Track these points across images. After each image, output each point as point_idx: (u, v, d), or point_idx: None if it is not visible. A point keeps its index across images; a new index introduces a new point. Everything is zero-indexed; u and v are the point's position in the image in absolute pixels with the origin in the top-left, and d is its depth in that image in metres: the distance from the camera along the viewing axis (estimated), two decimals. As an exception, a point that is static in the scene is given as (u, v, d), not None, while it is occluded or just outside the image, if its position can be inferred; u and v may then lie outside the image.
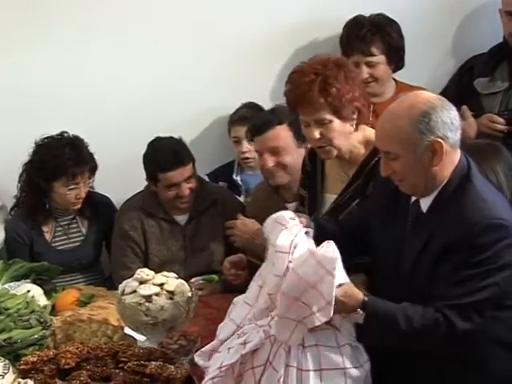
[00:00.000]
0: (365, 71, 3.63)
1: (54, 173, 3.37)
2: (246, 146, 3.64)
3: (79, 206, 3.47)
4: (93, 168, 3.45)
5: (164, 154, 3.35)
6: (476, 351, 2.33)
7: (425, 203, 2.37)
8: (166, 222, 3.46)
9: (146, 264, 3.31)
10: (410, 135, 2.26)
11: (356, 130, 2.77)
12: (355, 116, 2.73)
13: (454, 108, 2.32)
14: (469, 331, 2.23)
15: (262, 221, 2.54)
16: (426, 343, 2.27)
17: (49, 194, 3.43)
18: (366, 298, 2.26)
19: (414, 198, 2.42)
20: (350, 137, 2.76)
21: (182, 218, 3.47)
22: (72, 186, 3.39)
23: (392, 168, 2.33)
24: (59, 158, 3.36)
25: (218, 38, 3.77)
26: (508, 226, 2.26)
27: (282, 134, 3.17)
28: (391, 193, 2.44)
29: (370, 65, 3.64)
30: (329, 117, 2.71)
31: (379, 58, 3.66)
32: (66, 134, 3.43)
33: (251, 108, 3.69)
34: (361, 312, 2.25)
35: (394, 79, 3.79)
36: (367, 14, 3.72)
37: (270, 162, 3.19)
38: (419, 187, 2.35)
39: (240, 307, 2.45)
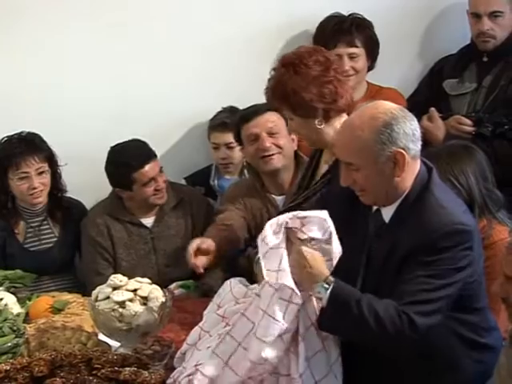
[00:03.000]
0: (347, 63, 3.64)
1: (2, 165, 3.39)
2: (225, 152, 3.64)
3: (40, 199, 3.42)
4: (47, 157, 3.42)
5: (132, 154, 3.37)
6: (447, 353, 2.34)
7: (387, 213, 2.37)
8: (133, 225, 3.45)
9: (115, 269, 3.33)
10: (372, 146, 2.25)
11: None
12: None
13: (415, 119, 2.32)
14: (429, 327, 2.21)
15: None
16: (387, 337, 2.19)
17: (8, 190, 3.43)
18: (331, 278, 2.20)
19: (375, 208, 2.41)
20: None
21: (148, 221, 3.47)
22: (22, 175, 3.37)
23: (353, 178, 2.32)
24: (6, 150, 3.39)
25: (198, 40, 3.76)
26: (468, 229, 2.27)
27: (277, 119, 3.25)
28: (348, 199, 2.41)
29: (352, 57, 3.65)
30: None
31: (361, 51, 3.69)
32: (23, 133, 3.44)
33: (231, 112, 3.68)
34: (325, 286, 2.18)
35: (366, 80, 3.80)
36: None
37: (268, 142, 3.24)
38: (380, 197, 2.35)
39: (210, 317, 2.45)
